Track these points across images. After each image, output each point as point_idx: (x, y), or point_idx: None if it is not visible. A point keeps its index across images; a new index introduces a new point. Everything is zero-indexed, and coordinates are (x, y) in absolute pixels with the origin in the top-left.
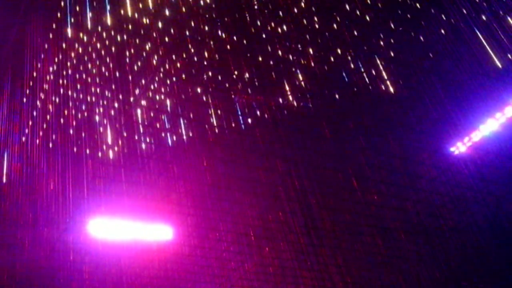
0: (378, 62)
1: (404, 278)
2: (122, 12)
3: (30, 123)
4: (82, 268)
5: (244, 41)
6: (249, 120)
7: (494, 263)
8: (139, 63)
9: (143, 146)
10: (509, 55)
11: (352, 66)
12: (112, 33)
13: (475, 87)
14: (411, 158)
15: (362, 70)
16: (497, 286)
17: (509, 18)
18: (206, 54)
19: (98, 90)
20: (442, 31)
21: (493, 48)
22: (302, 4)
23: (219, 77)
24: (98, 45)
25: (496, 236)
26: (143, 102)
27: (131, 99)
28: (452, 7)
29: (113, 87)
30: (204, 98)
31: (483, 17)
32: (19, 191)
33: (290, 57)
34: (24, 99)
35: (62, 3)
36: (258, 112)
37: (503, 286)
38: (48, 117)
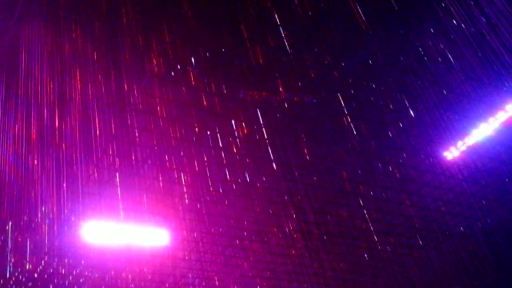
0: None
1: (397, 282)
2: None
3: (24, 125)
4: (77, 272)
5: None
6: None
7: (487, 267)
8: (135, 64)
9: (138, 149)
10: (502, 59)
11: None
12: (107, 34)
13: (468, 91)
14: (404, 162)
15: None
16: None
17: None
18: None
19: (93, 91)
20: (435, 35)
21: (486, 52)
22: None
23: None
24: (93, 47)
25: (490, 240)
26: (139, 106)
27: (127, 102)
28: (444, 11)
29: (109, 88)
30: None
31: (476, 21)
32: (12, 194)
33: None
34: (19, 102)
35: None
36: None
37: None
38: (42, 119)
